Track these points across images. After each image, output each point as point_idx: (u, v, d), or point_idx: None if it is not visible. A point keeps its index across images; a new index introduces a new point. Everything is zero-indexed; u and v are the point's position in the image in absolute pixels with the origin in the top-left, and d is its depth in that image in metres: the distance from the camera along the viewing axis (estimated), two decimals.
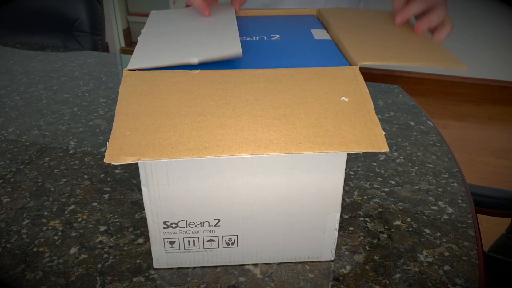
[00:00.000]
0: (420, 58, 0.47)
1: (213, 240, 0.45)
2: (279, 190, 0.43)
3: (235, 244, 0.45)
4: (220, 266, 0.47)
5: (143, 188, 0.42)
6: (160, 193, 0.42)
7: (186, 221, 0.44)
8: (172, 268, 0.47)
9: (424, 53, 0.48)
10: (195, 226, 0.44)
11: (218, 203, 0.43)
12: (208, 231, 0.44)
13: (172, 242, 0.45)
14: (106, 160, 0.34)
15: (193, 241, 0.45)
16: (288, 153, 0.36)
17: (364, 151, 0.36)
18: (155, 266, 0.47)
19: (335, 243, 0.47)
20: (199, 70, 0.43)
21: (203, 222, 0.44)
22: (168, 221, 0.43)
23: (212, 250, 0.46)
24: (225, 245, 0.45)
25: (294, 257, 0.47)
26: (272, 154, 0.36)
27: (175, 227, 0.44)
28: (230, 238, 0.45)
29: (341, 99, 0.41)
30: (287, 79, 0.43)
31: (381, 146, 0.36)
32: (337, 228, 0.46)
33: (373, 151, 0.36)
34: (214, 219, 0.44)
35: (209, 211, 0.43)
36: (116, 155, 0.35)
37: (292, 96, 0.41)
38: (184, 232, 0.44)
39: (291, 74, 0.44)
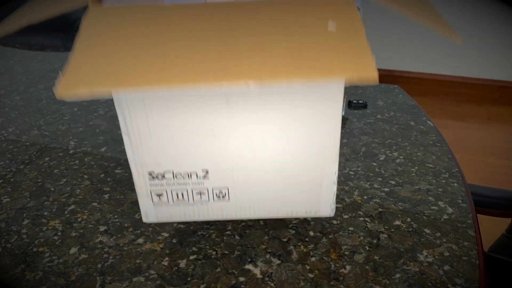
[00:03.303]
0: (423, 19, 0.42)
1: (203, 193, 0.43)
2: (269, 138, 0.40)
3: (226, 198, 0.43)
4: (219, 262, 0.47)
5: (124, 137, 0.39)
6: (142, 141, 0.39)
7: (173, 172, 0.41)
8: (172, 268, 0.47)
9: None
10: (183, 177, 0.42)
11: (205, 152, 0.40)
12: (196, 183, 0.42)
13: (159, 195, 0.43)
14: (58, 94, 0.30)
15: (182, 193, 0.43)
16: (260, 82, 0.32)
17: (350, 78, 0.33)
18: (144, 220, 0.44)
19: (335, 198, 0.44)
20: (170, 2, 0.39)
21: (191, 174, 0.41)
22: (154, 172, 0.41)
23: (202, 204, 0.44)
24: (215, 198, 0.43)
25: (290, 212, 0.45)
26: (244, 85, 0.32)
27: (162, 178, 0.42)
28: (220, 191, 0.43)
29: (328, 26, 0.37)
30: (268, 9, 0.39)
31: (370, 72, 0.32)
32: (336, 182, 0.43)
33: (360, 78, 0.32)
34: (202, 170, 0.41)
35: (196, 162, 0.41)
36: (68, 88, 0.31)
37: (273, 25, 0.37)
38: (171, 184, 0.42)
39: (273, 3, 0.39)
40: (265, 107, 0.38)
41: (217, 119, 0.39)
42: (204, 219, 0.45)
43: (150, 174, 0.41)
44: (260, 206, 0.44)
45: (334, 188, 0.44)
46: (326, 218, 0.54)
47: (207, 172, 0.41)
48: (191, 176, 0.42)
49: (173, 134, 0.39)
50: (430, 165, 0.65)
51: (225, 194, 0.43)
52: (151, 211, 0.44)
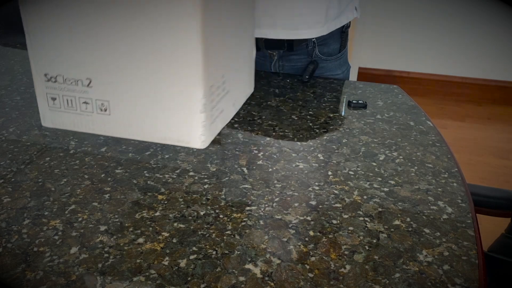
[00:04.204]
0: None
1: (88, 103, 0.45)
2: (139, 48, 0.41)
3: (107, 112, 0.45)
4: (219, 261, 0.47)
5: (26, 34, 0.43)
6: (39, 38, 0.43)
7: (63, 76, 0.45)
8: (172, 268, 0.47)
9: None
10: (71, 83, 0.45)
11: (89, 59, 0.43)
12: (82, 91, 0.45)
13: (54, 99, 0.46)
14: None
15: (71, 100, 0.46)
16: None
17: None
18: (43, 124, 0.49)
19: (204, 129, 0.44)
20: None
21: (77, 81, 0.44)
22: (48, 74, 0.45)
23: (88, 115, 0.46)
24: (98, 110, 0.45)
25: (164, 138, 0.46)
26: None
27: (55, 81, 0.45)
28: (102, 103, 0.45)
29: None
30: None
31: None
32: (203, 111, 0.42)
33: None
34: (86, 79, 0.44)
35: (81, 68, 0.44)
36: None
37: None
38: (63, 89, 0.45)
39: None
40: (130, 8, 0.39)
41: (96, 16, 0.40)
42: (90, 132, 0.47)
43: (45, 75, 0.45)
44: (138, 126, 0.45)
45: (201, 118, 0.42)
46: (326, 218, 0.54)
47: (90, 81, 0.44)
48: (77, 83, 0.45)
49: (69, 34, 0.42)
50: (430, 165, 0.66)
51: (107, 108, 0.45)
52: (47, 114, 0.48)
